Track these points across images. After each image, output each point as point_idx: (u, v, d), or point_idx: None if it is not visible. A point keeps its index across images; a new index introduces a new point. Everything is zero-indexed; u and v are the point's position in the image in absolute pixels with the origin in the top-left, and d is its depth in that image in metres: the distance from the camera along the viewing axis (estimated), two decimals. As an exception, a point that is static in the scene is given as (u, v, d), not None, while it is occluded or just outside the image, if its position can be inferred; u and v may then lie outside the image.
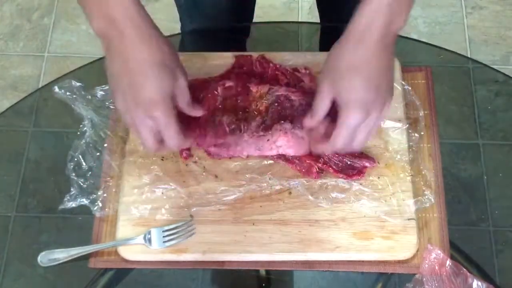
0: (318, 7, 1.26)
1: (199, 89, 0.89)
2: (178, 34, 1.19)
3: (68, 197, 0.85)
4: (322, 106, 0.77)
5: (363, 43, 0.73)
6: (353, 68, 0.73)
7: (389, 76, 0.76)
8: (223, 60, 0.95)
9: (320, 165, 0.85)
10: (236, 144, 0.86)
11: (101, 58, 1.01)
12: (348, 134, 0.76)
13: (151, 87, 0.72)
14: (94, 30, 0.72)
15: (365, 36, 0.73)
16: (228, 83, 0.90)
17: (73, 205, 0.85)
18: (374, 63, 0.74)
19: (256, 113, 0.88)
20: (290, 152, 0.85)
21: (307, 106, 0.88)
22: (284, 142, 0.85)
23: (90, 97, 0.91)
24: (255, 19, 1.24)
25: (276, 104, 0.88)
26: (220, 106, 0.88)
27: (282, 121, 0.86)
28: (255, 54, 0.95)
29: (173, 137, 0.76)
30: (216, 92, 0.89)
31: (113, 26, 0.70)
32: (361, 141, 0.77)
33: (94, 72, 1.01)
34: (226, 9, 1.14)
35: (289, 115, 0.87)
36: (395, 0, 0.71)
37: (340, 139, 0.76)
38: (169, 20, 1.21)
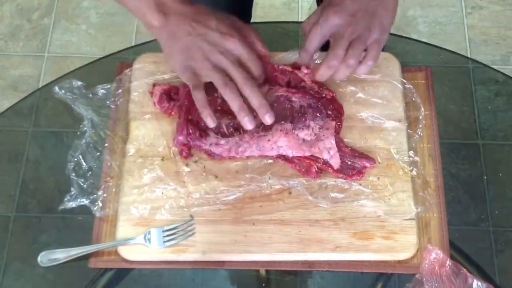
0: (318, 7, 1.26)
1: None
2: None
3: (68, 197, 0.85)
4: (315, 38, 0.85)
5: None
6: (342, 4, 0.82)
7: (382, 15, 0.83)
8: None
9: (319, 165, 0.85)
10: (237, 145, 0.86)
11: (101, 58, 1.02)
12: (336, 61, 0.82)
13: (221, 22, 0.82)
14: (156, 26, 0.83)
15: None
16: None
17: (73, 205, 0.85)
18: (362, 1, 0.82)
19: (256, 113, 0.88)
20: (290, 152, 0.85)
21: (308, 107, 0.88)
22: (284, 143, 0.85)
23: (91, 95, 0.91)
24: (255, 19, 1.24)
25: (276, 104, 0.88)
26: (220, 108, 0.88)
27: (283, 121, 0.86)
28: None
29: (255, 61, 0.83)
30: (216, 94, 0.89)
31: (170, 10, 0.82)
32: (357, 55, 0.82)
33: (94, 72, 1.01)
34: (223, 9, 1.14)
35: (289, 115, 0.87)
36: None
37: (314, 37, 0.84)
38: None
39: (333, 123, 0.87)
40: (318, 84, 0.90)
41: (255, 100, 0.81)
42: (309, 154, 0.85)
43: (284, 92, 0.89)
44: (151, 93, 0.91)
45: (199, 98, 0.82)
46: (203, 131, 0.87)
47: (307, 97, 0.88)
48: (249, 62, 0.83)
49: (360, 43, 0.82)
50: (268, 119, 0.81)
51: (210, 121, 0.82)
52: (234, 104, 0.81)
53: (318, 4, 1.25)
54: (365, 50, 0.83)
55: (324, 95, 0.89)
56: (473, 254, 0.85)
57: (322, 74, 0.84)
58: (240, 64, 0.82)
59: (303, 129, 0.86)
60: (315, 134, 0.86)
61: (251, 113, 0.81)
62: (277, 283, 0.85)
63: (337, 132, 0.87)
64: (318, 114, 0.87)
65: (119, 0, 0.84)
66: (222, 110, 0.88)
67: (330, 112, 0.88)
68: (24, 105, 1.00)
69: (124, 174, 0.87)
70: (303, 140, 0.86)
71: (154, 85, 0.91)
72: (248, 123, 0.81)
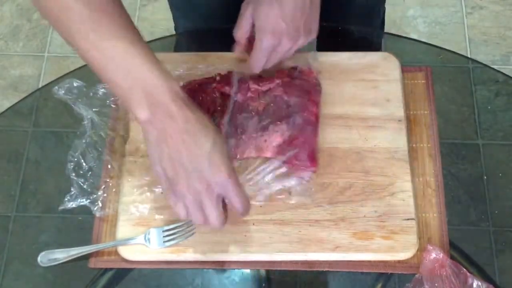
0: None
1: (197, 91, 0.89)
2: (178, 34, 1.19)
3: (68, 197, 0.85)
4: (243, 24, 0.87)
5: None
6: None
7: (310, 13, 0.85)
8: (222, 60, 0.95)
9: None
10: (236, 145, 0.86)
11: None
12: (261, 56, 0.86)
13: (214, 152, 0.72)
14: (143, 119, 0.72)
15: None
16: (226, 88, 0.90)
17: (73, 205, 0.85)
18: None
19: (253, 113, 0.88)
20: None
21: (304, 107, 0.88)
22: (280, 144, 0.85)
23: (91, 94, 0.91)
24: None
25: (272, 104, 0.88)
26: (218, 108, 0.88)
27: (279, 122, 0.86)
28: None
29: (240, 199, 0.76)
30: (214, 95, 0.89)
31: (166, 109, 0.71)
32: (272, 63, 0.88)
33: (94, 72, 1.01)
34: (221, 10, 1.14)
35: (285, 116, 0.87)
36: None
37: (255, 60, 0.86)
38: (169, 20, 1.21)
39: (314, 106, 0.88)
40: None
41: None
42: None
43: (280, 92, 0.89)
44: None
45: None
46: None
47: (303, 97, 0.88)
48: (233, 201, 0.76)
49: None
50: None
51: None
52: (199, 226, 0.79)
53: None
54: None
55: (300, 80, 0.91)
56: (473, 254, 0.85)
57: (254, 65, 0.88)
58: (223, 200, 0.76)
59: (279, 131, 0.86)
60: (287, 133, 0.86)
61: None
62: (277, 283, 0.85)
63: (317, 118, 0.89)
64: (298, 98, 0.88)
65: (106, 81, 0.75)
66: (221, 110, 0.88)
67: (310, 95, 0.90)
68: (24, 105, 1.00)
69: (124, 174, 0.87)
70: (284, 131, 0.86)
71: None
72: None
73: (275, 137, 0.85)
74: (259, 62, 0.87)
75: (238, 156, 0.86)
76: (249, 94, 0.89)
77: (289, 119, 0.87)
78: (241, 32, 0.88)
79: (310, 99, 0.89)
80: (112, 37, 0.70)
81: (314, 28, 0.87)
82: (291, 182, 0.85)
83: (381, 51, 0.99)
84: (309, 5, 0.84)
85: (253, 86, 0.90)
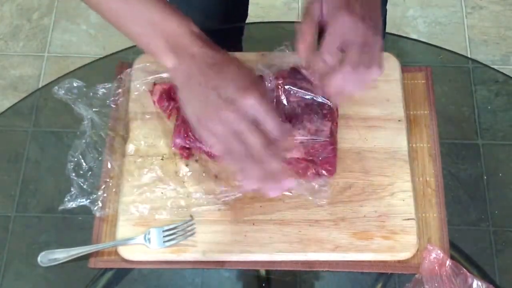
0: None
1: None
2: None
3: (68, 197, 0.85)
4: (311, 11, 0.77)
5: None
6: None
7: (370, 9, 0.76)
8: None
9: (316, 167, 0.85)
10: None
11: (101, 58, 1.02)
12: (336, 39, 0.75)
13: (239, 76, 0.72)
14: (169, 67, 0.75)
15: None
16: None
17: (73, 205, 0.85)
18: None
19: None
20: (288, 154, 0.85)
21: (305, 107, 0.88)
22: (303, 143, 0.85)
23: (91, 94, 0.91)
24: (256, 19, 1.24)
25: (274, 104, 0.88)
26: None
27: (302, 122, 0.86)
28: (254, 54, 0.95)
29: (274, 121, 0.71)
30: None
31: (185, 51, 0.74)
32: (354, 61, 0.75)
33: (94, 72, 1.01)
34: (217, 8, 1.14)
35: (287, 117, 0.87)
36: None
37: (328, 43, 0.75)
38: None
39: (329, 123, 0.86)
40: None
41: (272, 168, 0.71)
42: (305, 156, 0.85)
43: (282, 93, 0.89)
44: (151, 92, 0.91)
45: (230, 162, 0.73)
46: None
47: (305, 97, 0.88)
48: (267, 123, 0.71)
49: (371, 49, 0.76)
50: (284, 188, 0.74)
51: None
52: (253, 175, 0.71)
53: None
54: None
55: (321, 97, 0.89)
56: (473, 254, 0.85)
57: (338, 85, 0.76)
58: (258, 125, 0.71)
59: (299, 129, 0.86)
60: (311, 135, 0.86)
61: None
62: (277, 283, 0.85)
63: (332, 133, 0.86)
64: (315, 115, 0.87)
65: (126, 32, 0.77)
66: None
67: (326, 112, 0.87)
68: (24, 105, 1.00)
69: (124, 174, 0.87)
70: (300, 141, 0.86)
71: (154, 84, 0.91)
72: (272, 193, 0.74)
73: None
74: (332, 45, 0.75)
75: None
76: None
77: (308, 122, 0.86)
78: (310, 20, 0.77)
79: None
80: None
81: (379, 26, 0.78)
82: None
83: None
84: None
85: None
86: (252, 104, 0.70)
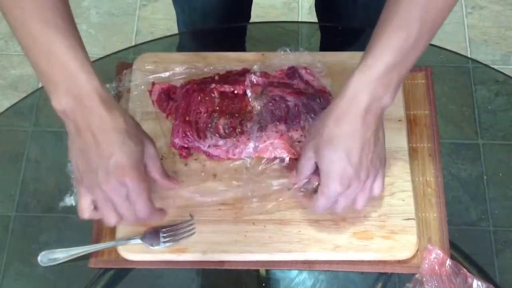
0: (316, 12, 1.26)
1: (195, 91, 0.89)
2: (177, 34, 1.19)
3: (68, 195, 0.85)
4: (306, 166, 0.79)
5: (346, 117, 0.72)
6: (334, 141, 0.73)
7: (375, 151, 0.75)
8: (221, 60, 0.95)
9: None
10: (235, 146, 0.86)
11: (101, 58, 1.02)
12: (327, 202, 0.77)
13: (121, 153, 0.71)
14: (58, 109, 0.71)
15: (349, 110, 0.72)
16: (225, 87, 0.90)
17: (73, 203, 0.85)
18: (356, 138, 0.73)
19: (252, 114, 0.88)
20: (285, 154, 0.85)
21: (302, 106, 0.88)
22: (279, 144, 0.85)
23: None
24: (256, 19, 1.24)
25: (271, 104, 0.88)
26: (217, 108, 0.88)
27: (277, 123, 0.86)
28: (254, 54, 0.95)
29: (143, 205, 0.74)
30: (213, 95, 0.89)
31: (81, 102, 0.70)
32: (342, 207, 0.78)
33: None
34: (219, 8, 1.14)
35: (284, 116, 0.87)
36: (385, 77, 0.71)
37: (320, 205, 0.77)
38: (169, 20, 1.21)
39: None
40: (314, 87, 0.90)
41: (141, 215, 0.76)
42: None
43: (279, 92, 0.89)
44: (150, 92, 0.91)
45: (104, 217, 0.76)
46: (202, 132, 0.87)
47: (301, 97, 0.88)
48: (136, 204, 0.74)
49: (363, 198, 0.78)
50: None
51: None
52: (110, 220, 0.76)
53: (316, 6, 1.24)
54: None
55: (318, 96, 0.89)
56: (473, 254, 0.85)
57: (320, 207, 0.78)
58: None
59: (296, 130, 0.86)
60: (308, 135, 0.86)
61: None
62: (277, 283, 0.85)
63: None
64: (312, 115, 0.87)
65: (34, 67, 0.72)
66: (220, 110, 0.88)
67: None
68: (24, 105, 1.00)
69: (124, 174, 0.87)
70: (298, 141, 0.86)
71: (153, 83, 0.91)
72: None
73: (274, 138, 0.85)
74: (323, 207, 0.78)
75: (236, 157, 0.86)
76: (247, 94, 0.89)
77: (305, 121, 0.87)
78: (304, 173, 0.79)
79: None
80: (51, 25, 0.68)
81: (381, 163, 0.78)
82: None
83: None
84: (374, 142, 0.75)
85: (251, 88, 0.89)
86: (126, 183, 0.71)
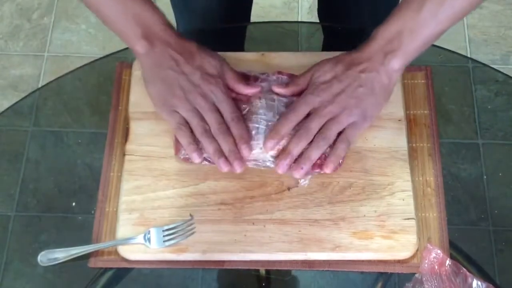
0: (318, 14, 1.26)
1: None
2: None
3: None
4: (302, 77, 0.86)
5: (366, 48, 0.83)
6: (340, 57, 0.84)
7: (364, 93, 0.82)
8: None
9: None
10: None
11: (101, 58, 1.02)
12: (302, 82, 0.85)
13: (206, 64, 0.84)
14: (140, 52, 0.84)
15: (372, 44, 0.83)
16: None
17: (73, 203, 0.85)
18: (359, 67, 0.83)
19: (255, 115, 0.87)
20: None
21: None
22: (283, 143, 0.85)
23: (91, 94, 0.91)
24: (256, 19, 1.24)
25: (272, 101, 0.88)
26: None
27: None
28: (254, 54, 0.95)
29: (229, 107, 0.83)
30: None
31: (158, 39, 0.84)
32: (313, 127, 0.81)
33: (94, 72, 1.01)
34: (217, 9, 1.14)
35: (278, 113, 0.87)
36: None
37: (293, 83, 0.86)
38: (169, 20, 1.21)
39: None
40: None
41: (225, 146, 0.82)
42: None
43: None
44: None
45: (183, 136, 0.83)
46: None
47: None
48: (222, 106, 0.83)
49: (336, 123, 0.81)
50: (237, 168, 0.82)
51: (196, 157, 0.83)
52: (210, 148, 0.82)
53: (319, 6, 1.24)
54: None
55: None
56: (473, 253, 0.85)
57: (272, 146, 0.82)
58: (216, 106, 0.83)
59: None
60: None
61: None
62: (277, 283, 0.85)
63: None
64: None
65: (104, 20, 0.85)
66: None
67: None
68: (24, 105, 1.00)
69: (124, 174, 0.87)
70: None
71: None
72: (223, 166, 0.82)
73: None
74: (295, 88, 0.85)
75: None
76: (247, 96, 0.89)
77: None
78: (297, 83, 0.86)
79: None
80: None
81: (370, 114, 0.84)
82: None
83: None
84: (368, 85, 0.82)
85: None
86: (213, 89, 0.83)
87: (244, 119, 0.85)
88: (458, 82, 1.00)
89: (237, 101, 0.88)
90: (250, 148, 0.82)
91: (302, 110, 0.82)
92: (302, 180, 0.85)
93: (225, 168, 0.82)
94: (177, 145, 0.86)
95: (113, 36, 0.86)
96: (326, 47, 1.11)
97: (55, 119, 0.98)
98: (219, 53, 0.95)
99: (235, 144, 0.82)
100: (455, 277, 0.80)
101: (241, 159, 0.81)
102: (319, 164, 0.84)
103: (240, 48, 1.06)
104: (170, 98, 0.83)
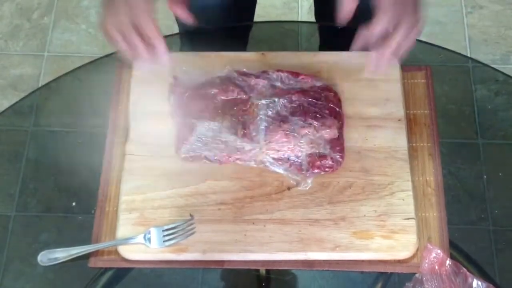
0: (315, 15, 1.26)
1: (199, 99, 0.89)
2: (178, 34, 1.19)
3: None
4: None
5: None
6: None
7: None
8: (222, 60, 0.95)
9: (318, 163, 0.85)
10: (237, 149, 0.86)
11: (101, 58, 1.02)
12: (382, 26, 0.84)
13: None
14: None
15: None
16: (228, 92, 0.89)
17: (74, 203, 0.85)
18: None
19: (256, 115, 0.88)
20: (291, 154, 0.85)
21: (309, 105, 0.88)
22: (284, 144, 0.85)
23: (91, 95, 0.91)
24: (256, 18, 1.24)
25: (275, 103, 0.88)
26: (219, 111, 0.88)
27: (282, 122, 0.86)
28: (255, 53, 0.95)
29: (149, 25, 0.87)
30: (215, 101, 0.89)
31: None
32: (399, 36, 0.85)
33: (94, 72, 1.01)
34: (219, 9, 1.14)
35: (289, 115, 0.87)
36: None
37: (377, 26, 0.85)
38: (169, 19, 1.21)
39: (335, 120, 0.87)
40: (319, 86, 0.90)
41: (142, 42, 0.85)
42: (310, 152, 0.85)
43: (284, 93, 0.89)
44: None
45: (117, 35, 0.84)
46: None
47: (306, 95, 0.88)
48: (144, 29, 0.86)
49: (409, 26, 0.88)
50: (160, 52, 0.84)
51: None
52: (134, 39, 0.85)
53: (316, 7, 1.24)
54: None
55: (323, 94, 0.89)
56: (473, 253, 0.85)
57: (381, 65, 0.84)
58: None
59: (303, 127, 0.86)
60: (317, 132, 0.86)
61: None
62: (277, 283, 0.85)
63: (338, 128, 0.87)
64: (317, 114, 0.87)
65: None
66: (223, 113, 0.88)
67: (327, 111, 0.88)
68: (24, 105, 1.00)
69: (124, 174, 0.87)
70: (307, 139, 0.86)
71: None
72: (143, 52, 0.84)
73: (280, 138, 0.85)
74: (381, 29, 0.86)
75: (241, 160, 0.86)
76: (251, 97, 0.89)
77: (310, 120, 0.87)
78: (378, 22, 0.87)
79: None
80: None
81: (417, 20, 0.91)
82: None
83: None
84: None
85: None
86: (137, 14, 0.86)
87: (244, 119, 0.84)
88: (458, 82, 1.00)
89: (237, 101, 0.88)
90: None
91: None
92: (303, 183, 0.85)
93: (146, 54, 0.84)
94: (177, 144, 0.86)
95: (113, 36, 0.86)
96: (323, 46, 1.11)
97: (55, 119, 0.98)
98: (220, 53, 0.96)
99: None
100: (455, 277, 0.80)
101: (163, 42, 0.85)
102: (319, 165, 0.84)
103: (243, 49, 1.06)
104: (110, 18, 0.85)
